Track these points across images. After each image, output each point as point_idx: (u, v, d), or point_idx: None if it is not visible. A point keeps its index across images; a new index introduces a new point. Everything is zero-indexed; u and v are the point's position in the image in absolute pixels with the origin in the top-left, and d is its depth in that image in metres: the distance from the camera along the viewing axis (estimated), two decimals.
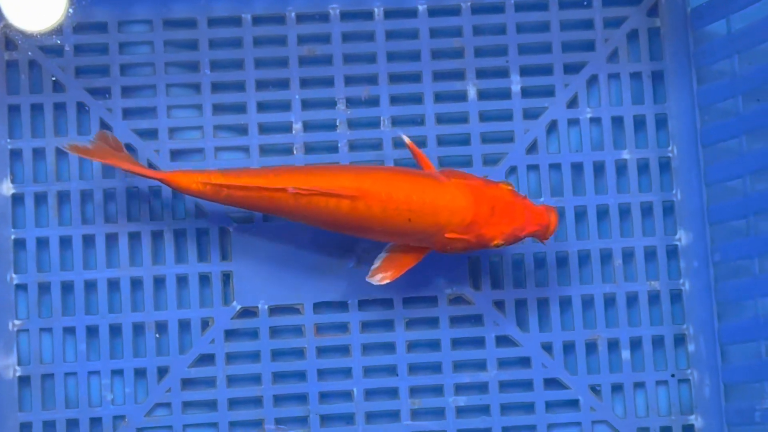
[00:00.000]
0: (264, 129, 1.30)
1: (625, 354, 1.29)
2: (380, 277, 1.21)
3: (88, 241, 1.27)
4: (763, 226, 1.23)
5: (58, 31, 1.29)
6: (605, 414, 1.29)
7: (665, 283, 1.30)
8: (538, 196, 1.30)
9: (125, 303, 1.27)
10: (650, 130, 1.31)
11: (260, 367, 1.27)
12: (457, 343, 1.29)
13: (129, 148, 1.28)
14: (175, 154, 1.29)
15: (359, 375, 1.28)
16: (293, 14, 1.31)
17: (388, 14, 1.31)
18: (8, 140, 1.28)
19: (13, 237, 1.27)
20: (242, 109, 1.30)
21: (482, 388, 1.28)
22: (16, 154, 1.28)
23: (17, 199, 1.28)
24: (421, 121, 1.30)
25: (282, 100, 1.30)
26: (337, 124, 1.30)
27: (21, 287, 1.27)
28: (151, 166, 1.28)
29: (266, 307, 1.28)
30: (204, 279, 1.28)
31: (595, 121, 1.32)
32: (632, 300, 1.30)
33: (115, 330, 1.27)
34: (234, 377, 1.27)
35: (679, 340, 1.30)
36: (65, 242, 1.27)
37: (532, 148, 1.31)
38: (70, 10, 1.29)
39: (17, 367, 1.26)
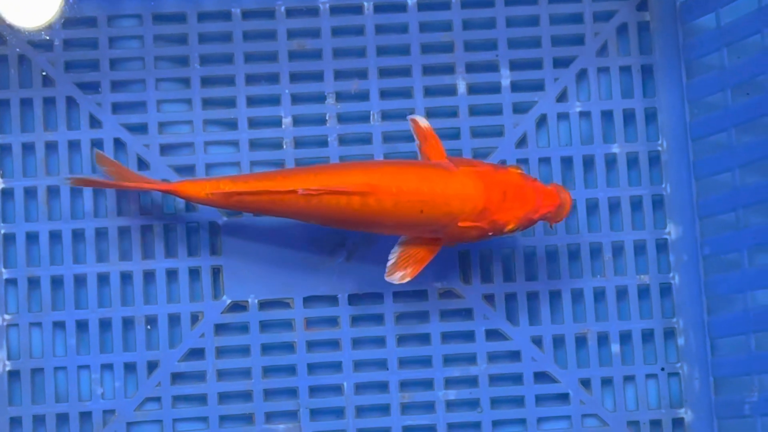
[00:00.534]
0: (254, 123, 1.30)
1: (615, 348, 1.29)
2: (400, 275, 1.19)
3: (78, 235, 1.27)
4: (752, 219, 1.23)
5: (47, 25, 1.29)
6: (595, 407, 1.29)
7: (655, 277, 1.30)
8: None
9: (115, 297, 1.27)
10: (640, 124, 1.32)
11: (250, 361, 1.27)
12: (447, 337, 1.29)
13: (118, 142, 1.28)
14: (165, 149, 1.29)
15: (349, 369, 1.28)
16: (283, 9, 1.31)
17: (378, 8, 1.31)
18: None
19: (2, 232, 1.27)
20: (232, 103, 1.30)
21: (472, 381, 1.28)
22: (5, 149, 1.28)
23: (7, 194, 1.28)
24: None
25: (272, 94, 1.30)
26: (327, 118, 1.30)
27: (11, 282, 1.27)
28: (141, 161, 1.28)
29: (256, 301, 1.28)
30: (194, 273, 1.28)
31: (585, 115, 1.32)
32: (622, 294, 1.30)
33: (105, 324, 1.27)
34: (224, 371, 1.27)
35: (669, 333, 1.30)
36: (55, 237, 1.27)
37: (522, 142, 1.31)
38: (60, 5, 1.29)
39: (7, 362, 1.26)
